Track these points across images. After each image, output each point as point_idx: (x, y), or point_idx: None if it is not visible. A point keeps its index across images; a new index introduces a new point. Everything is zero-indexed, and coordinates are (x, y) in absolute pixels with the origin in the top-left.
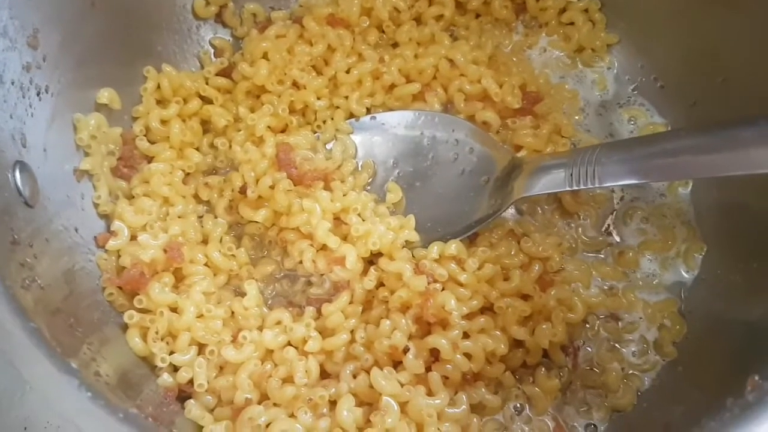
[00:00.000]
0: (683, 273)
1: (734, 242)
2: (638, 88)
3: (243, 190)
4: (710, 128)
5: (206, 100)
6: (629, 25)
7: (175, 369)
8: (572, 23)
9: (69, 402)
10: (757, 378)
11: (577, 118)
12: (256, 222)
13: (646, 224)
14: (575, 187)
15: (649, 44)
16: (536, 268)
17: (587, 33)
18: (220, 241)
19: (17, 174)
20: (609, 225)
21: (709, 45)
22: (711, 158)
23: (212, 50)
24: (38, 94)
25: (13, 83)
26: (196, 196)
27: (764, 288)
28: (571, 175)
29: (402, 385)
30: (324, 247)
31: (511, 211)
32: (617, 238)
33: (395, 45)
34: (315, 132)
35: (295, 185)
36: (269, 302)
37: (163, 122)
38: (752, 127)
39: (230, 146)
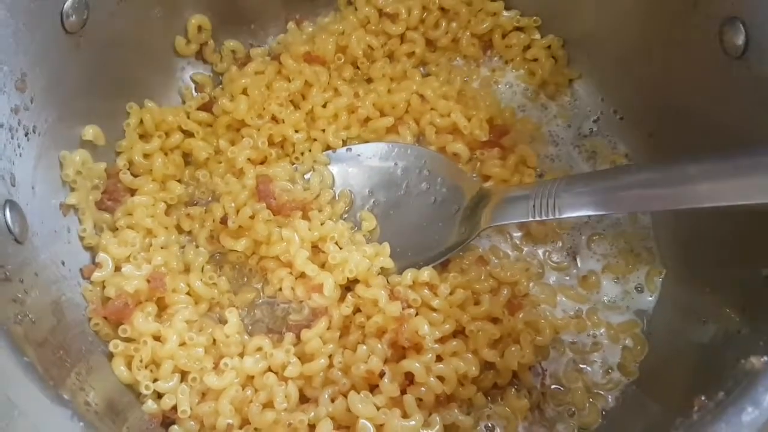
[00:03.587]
0: (644, 296)
1: (690, 268)
2: (599, 119)
3: (224, 221)
4: (664, 164)
5: (188, 134)
6: (590, 60)
7: (159, 396)
8: (536, 59)
9: None
10: (703, 398)
11: (541, 149)
12: (237, 251)
13: (609, 249)
14: (537, 218)
15: (609, 79)
16: (505, 292)
17: (550, 68)
18: (202, 270)
19: (7, 212)
20: (574, 250)
21: (664, 80)
22: (665, 192)
23: (193, 85)
24: (26, 135)
25: (2, 126)
26: (177, 227)
27: (716, 312)
28: (533, 206)
29: (378, 408)
30: (303, 275)
31: (481, 238)
32: (581, 263)
33: (369, 80)
34: (293, 164)
35: (274, 215)
36: (249, 329)
37: (146, 156)
38: (703, 163)
39: (211, 178)
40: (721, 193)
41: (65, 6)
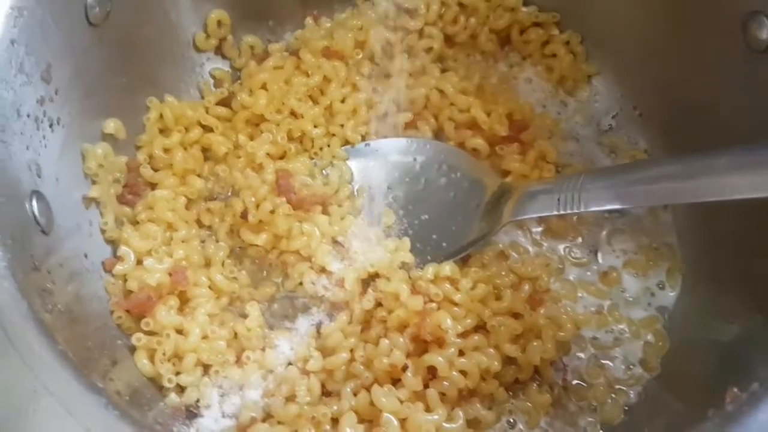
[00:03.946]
0: (665, 291)
1: (712, 263)
2: (618, 116)
3: (244, 215)
4: (688, 156)
5: (207, 129)
6: (609, 56)
7: (181, 389)
8: (554, 55)
9: (99, 421)
10: (735, 390)
11: (560, 144)
12: (257, 245)
13: (630, 245)
14: (561, 212)
15: (628, 74)
16: (526, 287)
17: (569, 64)
18: (222, 264)
19: (35, 203)
20: (594, 246)
21: (684, 75)
22: (688, 185)
23: (212, 80)
24: (50, 126)
25: (29, 116)
26: (198, 221)
27: (738, 308)
28: (558, 200)
29: (401, 402)
30: (323, 269)
31: (501, 233)
32: (602, 258)
33: (388, 76)
34: (312, 159)
35: (294, 210)
36: (270, 323)
37: (166, 150)
38: (726, 156)
39: (231, 172)
40: (752, 184)
41: None
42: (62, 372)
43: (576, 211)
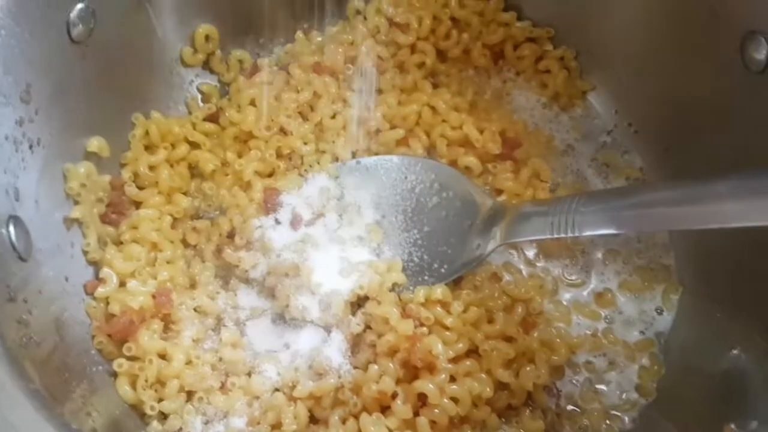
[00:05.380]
0: (660, 314)
1: (709, 287)
2: (613, 133)
3: (231, 235)
4: (685, 182)
5: (194, 146)
6: (604, 72)
7: (164, 416)
8: (548, 71)
9: None
10: (733, 426)
11: (554, 162)
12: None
13: (625, 266)
14: (555, 235)
15: (623, 91)
16: (519, 310)
17: (563, 80)
18: (208, 285)
19: (11, 228)
20: (588, 266)
21: (681, 93)
22: (685, 211)
23: (200, 96)
24: (30, 147)
25: (6, 138)
26: (183, 241)
27: (736, 333)
28: (552, 223)
29: (391, 431)
30: (311, 291)
31: (494, 253)
32: (596, 280)
33: (379, 92)
34: (302, 176)
35: None
36: (256, 346)
37: (152, 168)
38: (725, 182)
39: (218, 190)
40: (751, 212)
41: (71, 15)
42: (35, 415)
43: (570, 235)
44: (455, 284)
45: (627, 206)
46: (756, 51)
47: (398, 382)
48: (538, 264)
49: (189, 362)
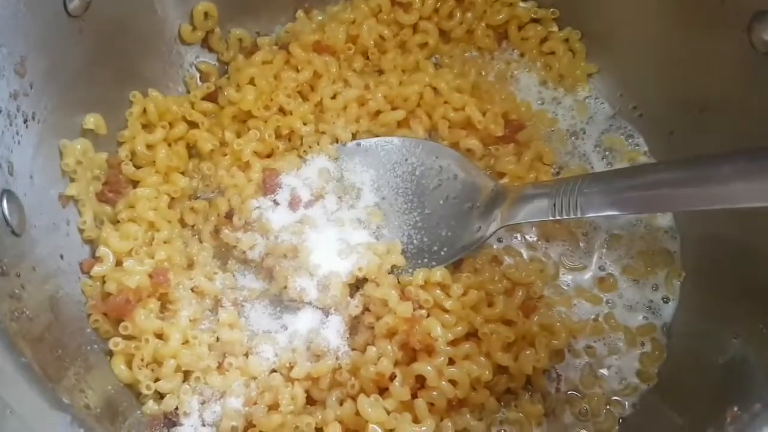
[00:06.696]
0: (662, 299)
1: (713, 272)
2: (617, 116)
3: (229, 215)
4: (690, 162)
5: (192, 125)
6: (609, 54)
7: (160, 396)
8: (553, 52)
9: None
10: (736, 409)
11: (558, 145)
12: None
13: (628, 250)
14: (557, 217)
15: (628, 74)
16: (519, 293)
17: (567, 62)
18: (206, 265)
19: (4, 203)
20: (590, 250)
21: (687, 76)
22: (691, 192)
23: (198, 74)
24: (25, 122)
25: (0, 111)
26: (181, 221)
27: (739, 318)
28: (554, 205)
29: (388, 413)
30: (309, 272)
31: (494, 236)
32: (599, 264)
33: (380, 72)
34: (301, 157)
35: None
36: (254, 327)
37: (149, 147)
38: (730, 162)
39: (216, 170)
40: (758, 193)
41: None
42: (25, 387)
43: (572, 217)
44: (455, 267)
45: (631, 187)
46: (764, 31)
47: (396, 364)
48: (540, 248)
49: (186, 342)
